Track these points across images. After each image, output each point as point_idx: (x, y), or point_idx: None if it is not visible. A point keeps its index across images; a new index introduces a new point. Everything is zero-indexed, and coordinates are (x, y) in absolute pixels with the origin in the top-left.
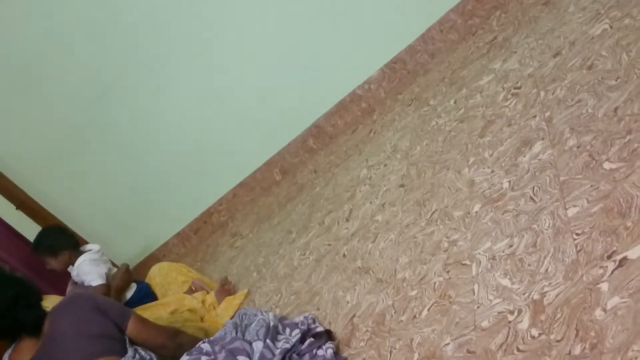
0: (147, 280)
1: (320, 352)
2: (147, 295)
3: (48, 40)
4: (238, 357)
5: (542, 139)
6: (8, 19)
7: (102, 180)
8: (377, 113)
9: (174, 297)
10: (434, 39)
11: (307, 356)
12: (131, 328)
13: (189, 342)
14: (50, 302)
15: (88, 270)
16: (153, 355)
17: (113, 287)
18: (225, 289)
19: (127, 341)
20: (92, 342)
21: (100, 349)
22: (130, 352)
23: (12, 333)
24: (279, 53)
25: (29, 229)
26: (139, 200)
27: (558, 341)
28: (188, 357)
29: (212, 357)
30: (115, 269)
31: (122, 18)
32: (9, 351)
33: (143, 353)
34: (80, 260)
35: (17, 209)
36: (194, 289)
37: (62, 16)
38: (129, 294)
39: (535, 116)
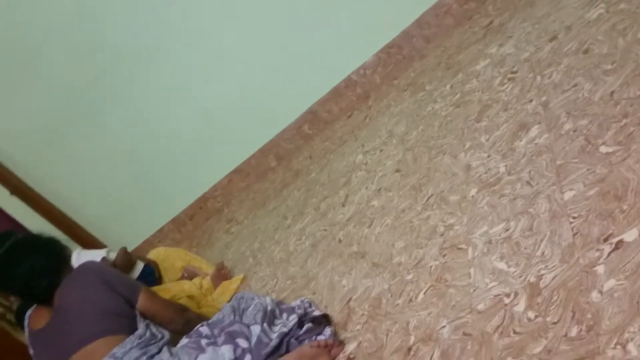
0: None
1: (320, 338)
2: (149, 274)
3: (42, 24)
4: (237, 340)
5: (539, 123)
6: (2, 3)
7: (97, 165)
8: (373, 98)
9: (173, 283)
10: (429, 23)
11: (306, 341)
12: (141, 302)
13: (196, 320)
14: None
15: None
16: (165, 332)
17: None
18: (222, 274)
19: (138, 316)
20: (100, 319)
21: (108, 326)
22: (141, 328)
23: (27, 298)
24: (274, 39)
25: (24, 215)
26: (134, 186)
27: (554, 323)
28: (187, 339)
29: (212, 339)
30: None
31: (118, 0)
32: (29, 311)
33: (155, 330)
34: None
35: (11, 194)
36: (186, 275)
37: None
38: (136, 272)
39: (531, 100)
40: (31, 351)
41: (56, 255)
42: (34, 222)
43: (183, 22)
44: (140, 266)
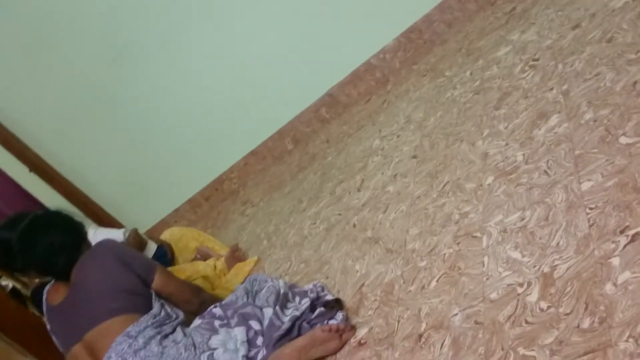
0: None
1: (332, 322)
2: (162, 256)
3: (63, 4)
4: (250, 322)
5: (559, 112)
6: None
7: (115, 145)
8: (392, 83)
9: (188, 264)
10: (451, 8)
11: (318, 325)
12: (157, 281)
13: (211, 300)
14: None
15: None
16: (180, 312)
17: None
18: (236, 256)
19: (154, 296)
20: (115, 297)
21: (123, 305)
22: (156, 308)
23: (45, 274)
24: (294, 21)
25: (42, 192)
26: (151, 166)
27: (567, 314)
28: (200, 320)
29: (225, 321)
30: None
31: None
32: (47, 286)
33: (169, 310)
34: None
35: (30, 171)
36: (199, 256)
37: None
38: (149, 254)
39: (552, 89)
40: (48, 326)
41: (75, 232)
42: (52, 200)
43: (202, 3)
44: (153, 247)
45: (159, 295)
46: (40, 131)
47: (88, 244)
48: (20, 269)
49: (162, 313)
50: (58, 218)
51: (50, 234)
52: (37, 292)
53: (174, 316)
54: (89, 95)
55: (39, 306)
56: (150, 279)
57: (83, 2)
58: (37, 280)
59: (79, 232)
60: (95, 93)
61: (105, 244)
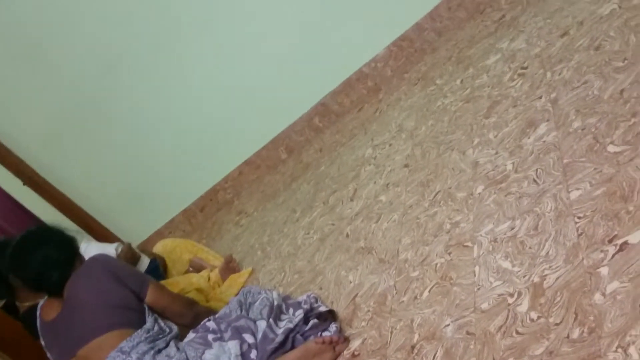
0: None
1: (325, 334)
2: (155, 269)
3: (55, 15)
4: (243, 335)
5: (547, 120)
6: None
7: (109, 156)
8: (383, 92)
9: (182, 276)
10: (441, 16)
11: (312, 337)
12: (150, 296)
13: (205, 313)
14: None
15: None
16: (173, 326)
17: None
18: (230, 267)
19: (147, 310)
20: (109, 312)
21: (117, 320)
22: (149, 322)
23: (38, 290)
24: (286, 32)
25: (37, 205)
26: (145, 177)
27: (557, 324)
28: (194, 334)
29: (218, 334)
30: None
31: None
32: (41, 302)
33: (163, 324)
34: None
35: (24, 184)
36: (191, 269)
37: None
38: (142, 268)
39: (540, 97)
40: (42, 342)
41: (68, 248)
42: (46, 213)
43: (193, 14)
44: (146, 261)
45: (153, 310)
46: (34, 144)
47: (81, 259)
48: (10, 293)
49: (156, 327)
50: (51, 234)
51: (43, 249)
52: (28, 315)
53: (168, 330)
54: (82, 107)
55: (30, 329)
56: (143, 294)
57: (73, 15)
58: (27, 304)
59: (72, 247)
60: (88, 105)
61: (98, 259)
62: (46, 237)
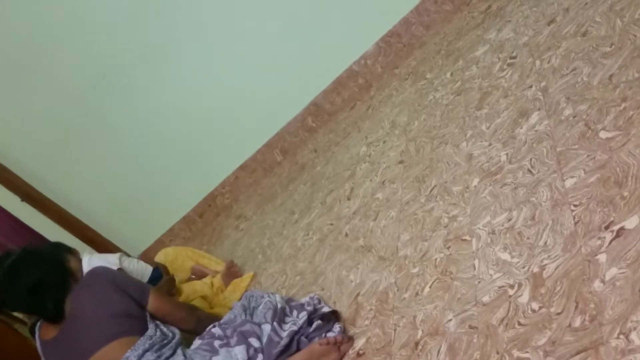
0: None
1: (330, 335)
2: (157, 279)
3: (41, 30)
4: (249, 340)
5: (539, 109)
6: (1, 9)
7: (105, 168)
8: (375, 89)
9: (185, 284)
10: (428, 10)
11: (316, 339)
12: (151, 303)
13: (207, 318)
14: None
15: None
16: (176, 330)
17: None
18: (232, 272)
19: (148, 317)
20: (113, 322)
21: (121, 329)
22: (151, 329)
23: (34, 314)
24: (274, 32)
25: (36, 221)
26: (143, 187)
27: (558, 314)
28: (200, 341)
29: (224, 340)
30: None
31: (116, 3)
32: (39, 322)
33: (165, 329)
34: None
35: (22, 200)
36: (194, 277)
37: (56, 4)
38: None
39: (531, 86)
40: None
41: (57, 270)
42: (46, 228)
43: (183, 20)
44: (149, 271)
45: (155, 317)
46: (29, 159)
47: (77, 276)
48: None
49: (158, 333)
50: (37, 258)
51: (30, 276)
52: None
53: (170, 335)
54: (76, 119)
55: None
56: (145, 302)
57: (62, 27)
58: (32, 320)
59: (63, 269)
60: (82, 116)
61: (97, 271)
62: (31, 263)
